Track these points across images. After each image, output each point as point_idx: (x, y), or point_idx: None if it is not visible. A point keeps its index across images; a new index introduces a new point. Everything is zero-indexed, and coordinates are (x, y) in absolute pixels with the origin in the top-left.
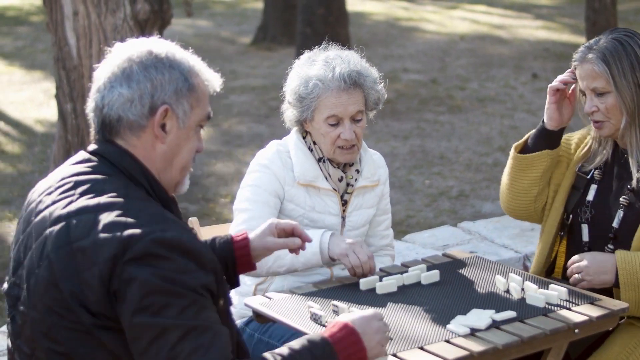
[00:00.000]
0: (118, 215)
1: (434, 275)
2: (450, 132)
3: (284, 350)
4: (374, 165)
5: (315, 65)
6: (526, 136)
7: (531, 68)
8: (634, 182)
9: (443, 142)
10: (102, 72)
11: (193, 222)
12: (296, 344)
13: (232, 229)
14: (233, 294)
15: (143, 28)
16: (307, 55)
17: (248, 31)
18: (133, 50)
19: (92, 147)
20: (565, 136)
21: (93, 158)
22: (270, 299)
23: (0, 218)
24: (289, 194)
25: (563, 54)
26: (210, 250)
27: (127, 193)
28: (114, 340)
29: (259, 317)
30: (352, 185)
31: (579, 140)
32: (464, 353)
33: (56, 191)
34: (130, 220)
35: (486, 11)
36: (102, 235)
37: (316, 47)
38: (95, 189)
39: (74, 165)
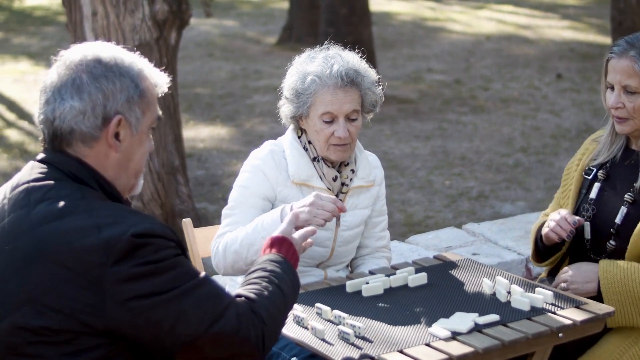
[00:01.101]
0: (85, 219)
1: (422, 278)
2: (472, 132)
3: (261, 273)
4: (369, 165)
5: (315, 62)
6: (532, 249)
7: (556, 68)
8: (637, 186)
9: (464, 143)
10: (50, 83)
11: (186, 223)
12: (264, 269)
13: (217, 233)
14: None
15: (162, 28)
16: (307, 52)
17: (274, 31)
18: (80, 58)
19: (41, 156)
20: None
21: (42, 166)
22: None
23: None
24: (281, 194)
25: (588, 54)
26: (175, 233)
27: (83, 195)
28: (101, 345)
29: None
30: (347, 185)
31: (585, 149)
32: (443, 357)
33: (13, 201)
34: (99, 221)
35: (513, 11)
36: (78, 242)
37: (339, 47)
38: (50, 195)
39: (25, 173)
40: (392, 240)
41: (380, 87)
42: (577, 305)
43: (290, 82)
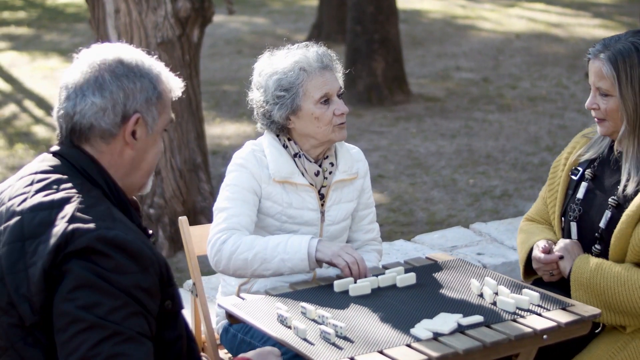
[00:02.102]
0: (68, 211)
1: (410, 278)
2: (498, 131)
3: None
4: (351, 158)
5: (289, 57)
6: (523, 267)
7: (585, 67)
8: (620, 189)
9: (490, 142)
10: (72, 79)
11: (182, 221)
12: None
13: (213, 229)
14: (218, 294)
15: (184, 25)
16: (266, 56)
17: (304, 29)
18: (103, 58)
19: (55, 148)
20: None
21: (54, 159)
22: (243, 299)
23: None
24: (265, 191)
25: None
26: (158, 253)
27: (81, 190)
28: (52, 342)
29: (230, 317)
30: (327, 179)
31: (572, 148)
32: (422, 357)
33: (15, 189)
34: (77, 215)
35: (544, 9)
36: (51, 230)
37: (365, 45)
38: (51, 187)
39: (34, 164)
40: (398, 240)
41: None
42: (564, 307)
43: (269, 85)
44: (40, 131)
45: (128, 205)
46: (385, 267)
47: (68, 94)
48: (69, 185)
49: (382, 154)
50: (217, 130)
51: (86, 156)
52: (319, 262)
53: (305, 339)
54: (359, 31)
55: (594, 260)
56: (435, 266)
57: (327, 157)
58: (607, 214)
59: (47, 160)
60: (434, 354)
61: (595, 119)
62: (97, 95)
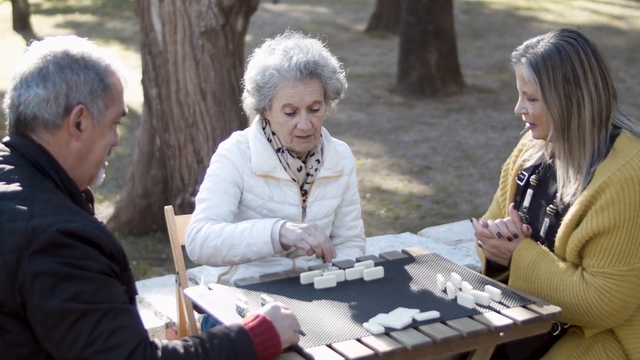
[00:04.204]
0: (23, 205)
1: (378, 272)
2: None
3: (203, 334)
4: (337, 155)
5: (274, 55)
6: (484, 266)
7: None
8: (558, 196)
9: None
10: (19, 70)
11: (167, 210)
12: (215, 329)
13: (193, 218)
14: (201, 283)
15: (227, 15)
16: (267, 43)
17: (364, 19)
18: (49, 49)
19: (6, 139)
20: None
21: (5, 148)
22: (210, 289)
23: None
24: (247, 184)
25: None
26: (115, 240)
27: (33, 183)
28: (15, 327)
29: (196, 307)
30: (312, 175)
31: (518, 150)
32: (368, 352)
33: None
34: (35, 210)
35: (608, 1)
36: (6, 225)
37: (419, 35)
38: (2, 178)
39: None
40: (404, 232)
41: (343, 74)
42: (524, 305)
43: (251, 75)
44: None
45: (79, 196)
46: (358, 260)
47: (15, 84)
48: (20, 176)
49: (431, 146)
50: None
51: (35, 146)
52: (286, 247)
53: None
54: (413, 22)
55: (534, 252)
56: (408, 260)
57: (313, 154)
58: (546, 222)
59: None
60: (382, 349)
61: (527, 124)
62: (41, 86)
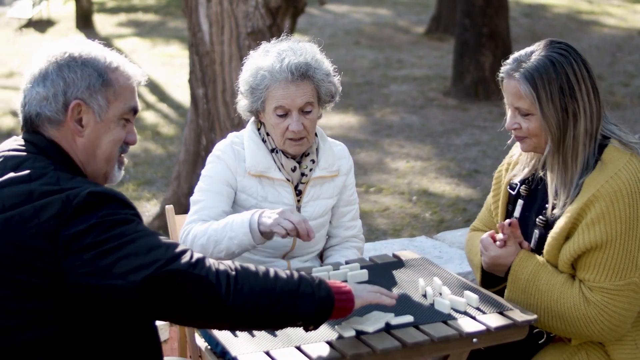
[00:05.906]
0: (49, 182)
1: (362, 275)
2: None
3: (294, 272)
4: (333, 156)
5: (268, 57)
6: (480, 277)
7: None
8: (549, 209)
9: None
10: (28, 73)
11: (168, 210)
12: (305, 274)
13: (186, 220)
14: None
15: (274, 15)
16: (263, 46)
17: (425, 21)
18: (53, 51)
19: (20, 136)
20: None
21: (23, 142)
22: None
23: (139, 197)
24: (241, 184)
25: None
26: (134, 208)
27: (54, 167)
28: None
29: None
30: (306, 175)
31: (510, 157)
32: (335, 355)
33: None
34: (62, 184)
35: None
36: (39, 202)
37: (473, 38)
38: (25, 165)
39: (5, 144)
40: (420, 236)
41: (337, 77)
42: (501, 311)
43: (245, 77)
44: (149, 117)
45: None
46: (347, 263)
47: (24, 88)
48: (43, 163)
49: (482, 149)
50: (321, 120)
51: (46, 139)
52: (266, 235)
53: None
54: (468, 24)
55: (534, 262)
56: (396, 264)
57: (308, 154)
58: (536, 233)
59: (18, 140)
60: (350, 352)
61: (516, 139)
62: (41, 85)
